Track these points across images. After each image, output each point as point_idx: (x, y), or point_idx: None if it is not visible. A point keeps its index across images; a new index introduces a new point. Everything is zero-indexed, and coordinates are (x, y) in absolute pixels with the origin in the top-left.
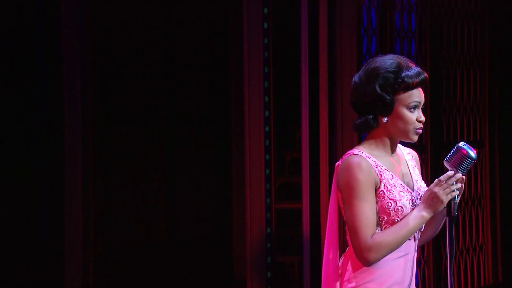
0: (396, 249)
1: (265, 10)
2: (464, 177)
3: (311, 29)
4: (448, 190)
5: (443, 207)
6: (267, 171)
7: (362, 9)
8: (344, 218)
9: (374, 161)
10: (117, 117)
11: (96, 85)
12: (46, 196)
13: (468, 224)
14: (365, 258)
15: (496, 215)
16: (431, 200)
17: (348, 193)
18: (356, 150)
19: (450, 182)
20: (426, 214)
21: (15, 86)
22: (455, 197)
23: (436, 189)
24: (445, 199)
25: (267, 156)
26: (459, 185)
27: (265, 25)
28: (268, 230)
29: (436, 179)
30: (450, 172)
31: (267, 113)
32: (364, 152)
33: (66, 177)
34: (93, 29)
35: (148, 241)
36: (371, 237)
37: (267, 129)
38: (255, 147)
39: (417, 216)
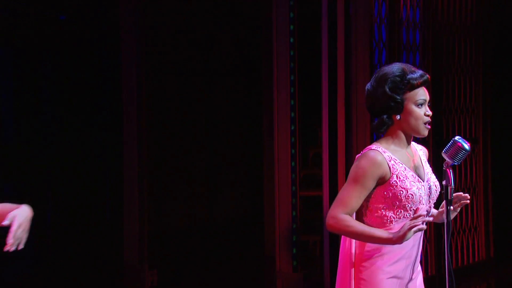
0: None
1: (291, 27)
2: (468, 196)
3: (330, 42)
4: (414, 224)
5: (407, 237)
6: (293, 164)
7: (374, 25)
8: None
9: (389, 156)
10: (167, 119)
11: (150, 95)
12: (108, 185)
13: (464, 208)
14: (327, 222)
15: (488, 201)
16: (400, 228)
17: (352, 175)
18: (374, 146)
19: (418, 218)
20: (392, 238)
21: (81, 100)
22: (452, 183)
23: (407, 220)
24: (407, 229)
25: (293, 151)
26: (424, 226)
27: (291, 40)
28: (294, 213)
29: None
30: (422, 212)
31: (292, 114)
32: (381, 147)
33: (124, 169)
34: (147, 47)
35: (193, 223)
36: (342, 213)
37: (292, 128)
38: (283, 143)
39: (384, 235)
